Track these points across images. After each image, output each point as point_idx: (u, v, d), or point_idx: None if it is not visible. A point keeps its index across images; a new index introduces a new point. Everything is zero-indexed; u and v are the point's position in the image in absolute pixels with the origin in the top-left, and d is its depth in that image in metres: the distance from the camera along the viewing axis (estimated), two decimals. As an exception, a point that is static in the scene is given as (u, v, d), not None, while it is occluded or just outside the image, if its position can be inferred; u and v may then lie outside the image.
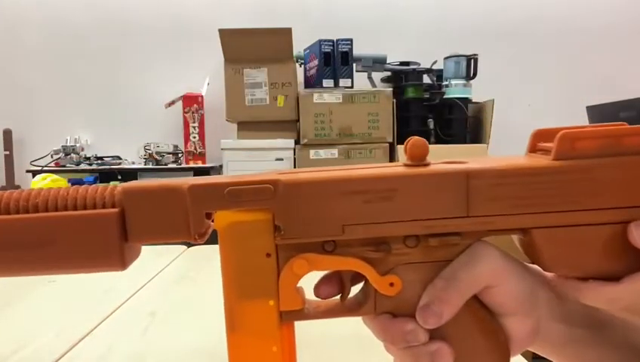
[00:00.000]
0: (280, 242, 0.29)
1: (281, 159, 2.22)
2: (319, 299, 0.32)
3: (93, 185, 0.29)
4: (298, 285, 0.31)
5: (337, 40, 2.27)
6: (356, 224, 0.29)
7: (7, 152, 2.63)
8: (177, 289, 0.88)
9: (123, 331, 0.68)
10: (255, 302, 0.29)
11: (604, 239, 0.29)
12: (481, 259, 0.30)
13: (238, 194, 0.28)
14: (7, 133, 2.65)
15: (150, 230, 0.29)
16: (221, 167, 2.31)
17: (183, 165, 2.41)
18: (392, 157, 2.19)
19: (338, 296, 0.32)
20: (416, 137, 0.30)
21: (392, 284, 0.30)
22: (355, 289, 0.33)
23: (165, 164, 2.38)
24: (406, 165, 0.30)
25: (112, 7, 2.70)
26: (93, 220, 0.28)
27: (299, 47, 2.33)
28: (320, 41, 2.25)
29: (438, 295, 0.29)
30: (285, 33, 2.19)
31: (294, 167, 2.20)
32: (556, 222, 0.29)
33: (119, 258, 0.28)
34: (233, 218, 0.29)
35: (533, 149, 0.32)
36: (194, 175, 2.33)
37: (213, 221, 0.30)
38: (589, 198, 0.28)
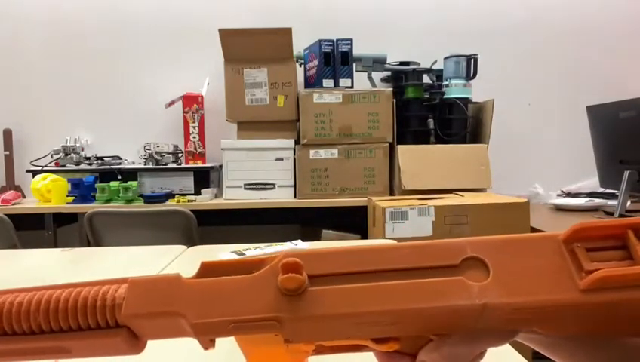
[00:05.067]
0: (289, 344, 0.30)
1: (281, 159, 2.22)
2: None
3: (94, 290, 0.31)
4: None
5: (337, 40, 2.27)
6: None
7: (7, 152, 2.63)
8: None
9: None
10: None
11: None
12: None
13: (243, 328, 0.29)
14: (7, 133, 2.65)
15: (158, 335, 0.31)
16: (221, 167, 2.31)
17: (183, 165, 2.41)
18: (392, 157, 2.19)
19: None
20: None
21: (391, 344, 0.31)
22: None
23: (165, 164, 2.38)
24: None
25: (112, 8, 2.70)
26: (104, 338, 0.30)
27: (299, 47, 2.33)
28: (320, 41, 2.25)
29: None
30: (285, 33, 2.19)
31: (294, 167, 2.20)
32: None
33: (134, 352, 0.31)
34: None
35: (569, 241, 0.29)
36: (194, 175, 2.34)
37: None
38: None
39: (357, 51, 2.29)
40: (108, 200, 2.21)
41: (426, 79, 2.43)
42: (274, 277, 0.29)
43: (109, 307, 0.29)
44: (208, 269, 0.30)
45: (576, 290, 0.27)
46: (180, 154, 2.45)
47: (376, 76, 2.44)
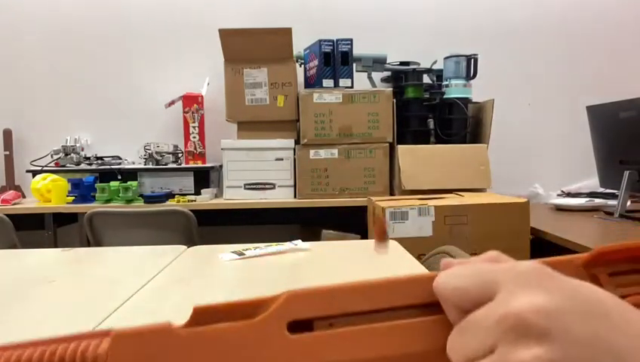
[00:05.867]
0: None
1: (281, 159, 2.22)
2: None
3: (71, 348, 0.26)
4: None
5: (337, 40, 2.27)
6: None
7: (7, 152, 2.63)
8: (177, 289, 0.88)
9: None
10: None
11: None
12: None
13: None
14: (7, 133, 2.65)
15: None
16: (221, 167, 2.31)
17: (183, 165, 2.41)
18: (392, 157, 2.19)
19: None
20: None
21: None
22: None
23: (165, 164, 2.38)
24: None
25: (112, 8, 2.70)
26: None
27: (299, 47, 2.33)
28: (320, 41, 2.25)
29: None
30: (285, 33, 2.19)
31: (294, 167, 2.20)
32: None
33: None
34: None
35: (589, 266, 0.27)
36: (194, 175, 2.34)
37: None
38: None
39: (357, 51, 2.29)
40: (108, 200, 2.21)
41: (426, 79, 2.43)
42: (280, 320, 0.26)
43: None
44: (202, 314, 0.26)
45: None
46: (180, 154, 2.45)
47: (376, 76, 2.45)
